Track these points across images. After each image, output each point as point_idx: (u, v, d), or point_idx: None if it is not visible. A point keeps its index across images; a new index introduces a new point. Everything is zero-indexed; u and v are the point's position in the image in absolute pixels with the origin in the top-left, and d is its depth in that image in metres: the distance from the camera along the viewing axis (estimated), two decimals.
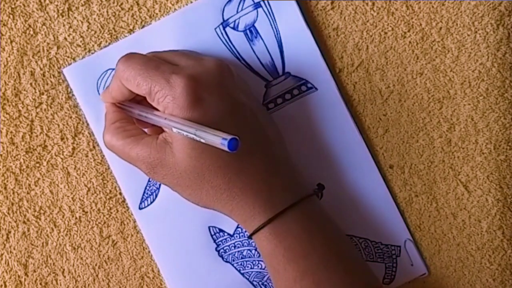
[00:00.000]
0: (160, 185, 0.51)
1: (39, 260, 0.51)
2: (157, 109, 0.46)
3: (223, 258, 0.51)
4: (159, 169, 0.45)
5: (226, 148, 0.40)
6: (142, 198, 0.51)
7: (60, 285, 0.51)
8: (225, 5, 0.51)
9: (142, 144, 0.45)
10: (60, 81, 0.51)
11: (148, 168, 0.46)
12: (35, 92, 0.51)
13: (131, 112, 0.48)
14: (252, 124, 0.46)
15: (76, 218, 0.51)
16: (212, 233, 0.51)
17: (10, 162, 0.51)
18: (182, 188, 0.46)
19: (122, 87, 0.46)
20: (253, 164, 0.45)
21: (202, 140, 0.41)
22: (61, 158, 0.51)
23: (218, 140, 0.40)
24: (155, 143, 0.45)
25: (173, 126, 0.43)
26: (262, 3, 0.51)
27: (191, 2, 0.51)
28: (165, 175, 0.45)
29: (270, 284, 0.51)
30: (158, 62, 0.45)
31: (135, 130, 0.47)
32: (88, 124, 0.51)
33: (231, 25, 0.51)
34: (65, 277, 0.52)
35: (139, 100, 0.48)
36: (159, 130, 0.47)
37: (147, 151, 0.45)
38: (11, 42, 0.51)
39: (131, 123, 0.48)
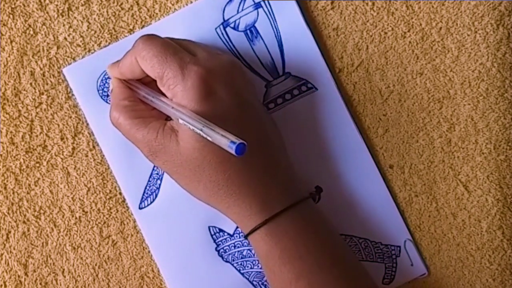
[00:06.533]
0: (160, 185, 0.51)
1: (39, 260, 0.51)
2: (165, 95, 0.45)
3: (223, 258, 0.51)
4: (161, 154, 0.45)
5: (233, 152, 0.40)
6: (142, 198, 0.51)
7: (60, 285, 0.51)
8: (225, 5, 0.51)
9: (149, 127, 0.45)
10: (60, 81, 0.51)
11: (151, 152, 0.46)
12: (35, 92, 0.51)
13: (136, 92, 0.47)
14: (257, 125, 0.46)
15: (76, 218, 0.51)
16: (212, 233, 0.51)
17: (10, 162, 0.51)
18: (180, 177, 0.46)
19: (135, 65, 0.45)
20: (254, 164, 0.45)
21: (209, 138, 0.41)
22: (61, 158, 0.51)
23: (226, 141, 0.40)
24: (162, 129, 0.45)
25: (180, 117, 0.43)
26: (262, 3, 0.51)
27: (192, 2, 0.51)
28: (165, 161, 0.45)
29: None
30: (177, 49, 0.45)
31: (143, 111, 0.47)
32: (88, 124, 0.51)
33: (232, 25, 0.51)
34: (65, 277, 0.51)
35: (146, 83, 0.47)
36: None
37: (153, 135, 0.45)
38: (11, 42, 0.51)
39: (139, 103, 0.47)
